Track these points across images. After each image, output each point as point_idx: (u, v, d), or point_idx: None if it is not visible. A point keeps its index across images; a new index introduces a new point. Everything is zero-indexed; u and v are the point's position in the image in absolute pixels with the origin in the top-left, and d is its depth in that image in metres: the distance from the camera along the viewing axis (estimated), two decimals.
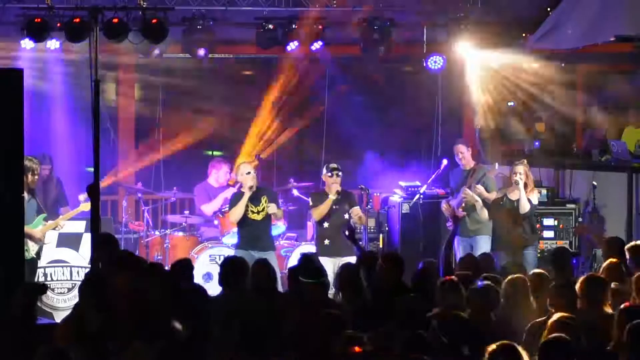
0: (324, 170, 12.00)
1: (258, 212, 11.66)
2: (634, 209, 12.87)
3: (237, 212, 11.61)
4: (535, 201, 11.86)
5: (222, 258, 12.36)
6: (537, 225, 12.50)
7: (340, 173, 11.88)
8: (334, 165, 11.96)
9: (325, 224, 11.81)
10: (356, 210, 11.78)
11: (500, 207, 11.90)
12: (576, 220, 13.36)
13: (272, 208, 11.65)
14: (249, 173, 11.71)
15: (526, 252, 11.62)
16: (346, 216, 11.87)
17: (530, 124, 15.23)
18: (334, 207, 11.82)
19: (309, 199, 12.11)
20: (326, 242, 11.74)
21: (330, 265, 11.20)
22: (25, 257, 10.54)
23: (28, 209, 10.78)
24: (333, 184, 11.83)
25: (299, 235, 13.80)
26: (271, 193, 11.97)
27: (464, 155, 12.42)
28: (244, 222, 11.67)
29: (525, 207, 11.69)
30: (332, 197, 11.82)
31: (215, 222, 13.24)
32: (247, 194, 11.59)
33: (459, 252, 12.09)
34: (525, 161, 12.07)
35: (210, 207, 13.32)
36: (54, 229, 11.35)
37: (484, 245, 12.08)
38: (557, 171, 14.05)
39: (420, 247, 12.53)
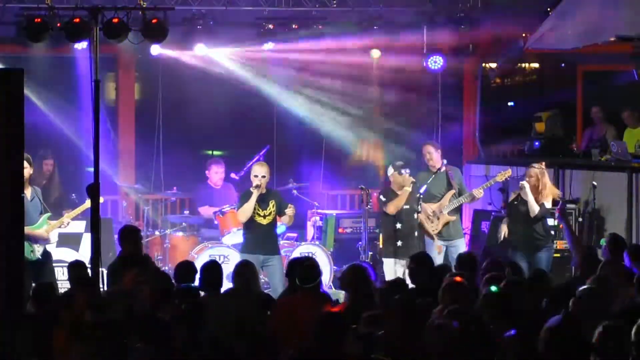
0: (391, 169, 11.91)
1: (264, 216, 11.59)
2: (634, 209, 12.86)
3: (246, 211, 11.53)
4: (549, 205, 11.76)
5: (222, 258, 12.38)
6: None
7: (409, 170, 11.86)
8: (401, 162, 11.92)
9: (398, 225, 11.72)
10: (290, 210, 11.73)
11: (514, 207, 11.85)
12: (576, 220, 13.35)
13: (291, 210, 11.65)
14: (256, 176, 11.66)
15: (539, 254, 11.54)
16: (415, 216, 11.85)
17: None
18: (404, 206, 11.78)
19: (380, 195, 11.95)
20: (399, 243, 11.64)
21: (401, 268, 11.23)
22: (30, 258, 10.62)
23: (31, 208, 10.77)
24: (407, 180, 11.76)
25: (299, 235, 13.81)
26: (280, 197, 11.92)
27: (432, 156, 12.28)
28: (250, 226, 11.60)
29: (534, 211, 11.61)
30: (407, 188, 11.74)
31: (215, 222, 13.24)
32: (255, 194, 11.54)
33: (438, 255, 12.05)
34: (543, 163, 11.94)
35: (210, 212, 13.33)
36: (59, 227, 11.34)
37: (462, 247, 12.12)
38: (557, 171, 14.04)
39: (421, 245, 12.48)
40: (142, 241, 10.15)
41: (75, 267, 9.28)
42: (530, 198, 11.59)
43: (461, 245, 12.15)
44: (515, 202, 11.82)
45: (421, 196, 11.86)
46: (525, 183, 11.65)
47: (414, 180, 11.87)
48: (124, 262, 9.34)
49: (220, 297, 8.63)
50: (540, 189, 11.66)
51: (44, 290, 8.40)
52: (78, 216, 11.73)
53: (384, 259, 11.75)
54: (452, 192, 12.17)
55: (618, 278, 8.32)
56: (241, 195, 11.86)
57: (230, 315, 8.14)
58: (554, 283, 9.01)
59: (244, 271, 8.89)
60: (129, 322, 7.24)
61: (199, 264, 12.32)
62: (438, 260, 11.85)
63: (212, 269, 8.90)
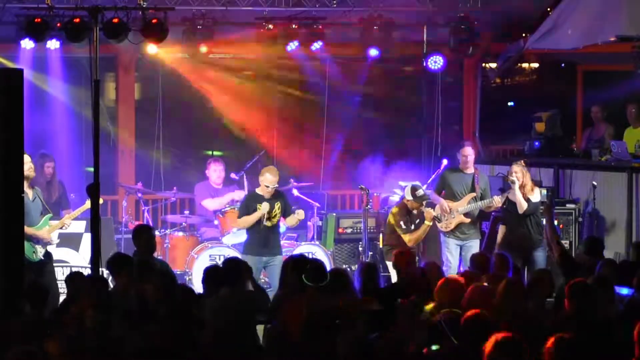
0: (409, 195, 11.90)
1: (270, 218, 11.62)
2: (634, 209, 12.85)
3: (247, 223, 11.56)
4: (535, 199, 11.78)
5: (222, 258, 12.36)
6: None
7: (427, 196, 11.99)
8: (422, 192, 11.93)
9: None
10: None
11: (505, 210, 11.89)
12: (576, 220, 13.35)
13: (301, 214, 11.67)
14: (267, 186, 11.59)
15: (536, 253, 11.56)
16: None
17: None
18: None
19: (400, 221, 11.93)
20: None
21: None
22: (32, 259, 10.63)
23: (32, 209, 10.77)
24: (428, 215, 11.88)
25: (299, 235, 13.80)
26: (285, 198, 11.85)
27: (468, 159, 12.28)
28: (255, 227, 11.57)
29: (522, 207, 11.66)
30: (428, 223, 11.84)
31: (216, 222, 13.24)
32: (258, 213, 11.50)
33: (454, 254, 12.05)
34: (522, 161, 12.02)
35: (213, 204, 13.30)
36: (60, 228, 11.35)
37: (476, 248, 12.11)
38: (557, 171, 14.04)
39: (420, 246, 12.50)
40: (152, 241, 10.01)
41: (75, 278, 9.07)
42: (519, 195, 11.65)
43: (475, 246, 12.13)
44: (504, 205, 11.89)
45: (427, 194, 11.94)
46: (515, 179, 11.71)
47: (436, 215, 11.97)
48: (115, 263, 9.21)
49: (220, 295, 8.62)
50: (524, 185, 11.74)
51: (38, 292, 8.31)
52: (78, 216, 11.73)
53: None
54: (473, 195, 12.14)
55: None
56: (247, 197, 11.87)
57: (231, 313, 8.14)
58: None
59: (239, 268, 8.91)
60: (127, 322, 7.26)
61: (199, 264, 12.48)
62: (453, 259, 11.90)
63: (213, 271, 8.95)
